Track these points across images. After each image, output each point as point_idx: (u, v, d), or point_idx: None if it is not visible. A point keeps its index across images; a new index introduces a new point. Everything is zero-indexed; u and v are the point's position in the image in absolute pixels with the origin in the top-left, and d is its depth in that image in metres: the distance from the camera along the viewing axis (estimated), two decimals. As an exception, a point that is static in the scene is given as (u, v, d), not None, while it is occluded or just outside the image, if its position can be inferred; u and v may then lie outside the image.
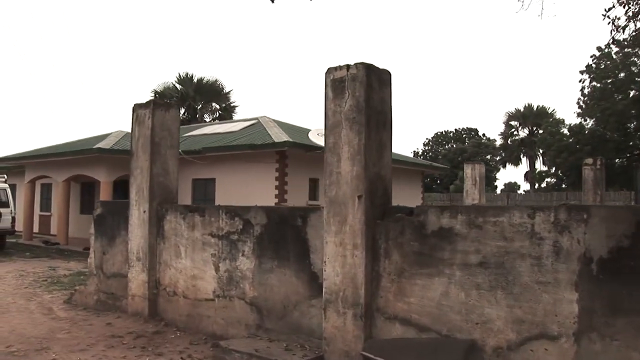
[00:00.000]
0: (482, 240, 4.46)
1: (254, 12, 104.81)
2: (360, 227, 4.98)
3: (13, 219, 17.03)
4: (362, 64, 5.06)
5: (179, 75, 38.56)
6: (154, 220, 7.26)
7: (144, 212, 7.27)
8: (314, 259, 5.54)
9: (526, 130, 51.92)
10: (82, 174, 18.05)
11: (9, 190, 17.32)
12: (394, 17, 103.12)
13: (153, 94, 37.10)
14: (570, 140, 36.52)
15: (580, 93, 37.08)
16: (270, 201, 15.10)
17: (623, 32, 9.89)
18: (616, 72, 34.28)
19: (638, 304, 3.75)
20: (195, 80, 38.49)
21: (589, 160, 15.80)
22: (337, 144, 5.16)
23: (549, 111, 49.96)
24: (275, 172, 15.58)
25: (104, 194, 16.90)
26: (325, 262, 5.22)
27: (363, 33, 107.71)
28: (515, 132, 52.78)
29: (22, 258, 15.31)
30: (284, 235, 5.83)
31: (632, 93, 33.86)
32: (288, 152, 15.41)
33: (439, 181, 55.25)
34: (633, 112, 33.80)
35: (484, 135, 65.25)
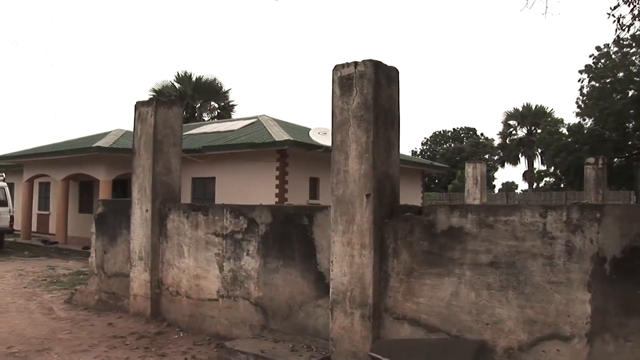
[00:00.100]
0: (493, 240, 4.40)
1: (251, 11, 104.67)
2: (368, 226, 4.91)
3: (11, 217, 16.91)
4: (370, 60, 4.99)
5: (178, 73, 38.60)
6: (157, 219, 7.18)
7: (147, 211, 7.19)
8: (321, 258, 5.46)
9: (524, 130, 51.98)
10: (81, 172, 17.94)
11: (7, 189, 17.20)
12: (392, 16, 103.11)
13: (152, 93, 37.07)
14: (569, 139, 36.52)
15: (579, 93, 37.17)
16: (271, 200, 15.04)
17: (628, 30, 9.84)
18: (615, 71, 34.29)
19: (653, 304, 3.70)
20: (194, 79, 38.47)
21: (591, 160, 15.76)
22: (345, 142, 5.09)
23: (548, 111, 50.01)
24: (275, 171, 15.51)
25: (103, 193, 16.79)
26: (332, 261, 5.14)
27: (360, 32, 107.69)
28: (514, 132, 52.84)
29: (21, 257, 15.20)
30: (289, 235, 5.75)
31: (630, 93, 33.86)
32: (288, 151, 15.35)
33: (437, 180, 55.29)
34: (632, 111, 33.81)
35: (482, 134, 65.34)
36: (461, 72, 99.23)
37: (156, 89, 37.67)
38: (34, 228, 21.55)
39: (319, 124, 17.60)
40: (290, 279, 5.71)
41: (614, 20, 9.55)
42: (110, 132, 19.56)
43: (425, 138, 67.57)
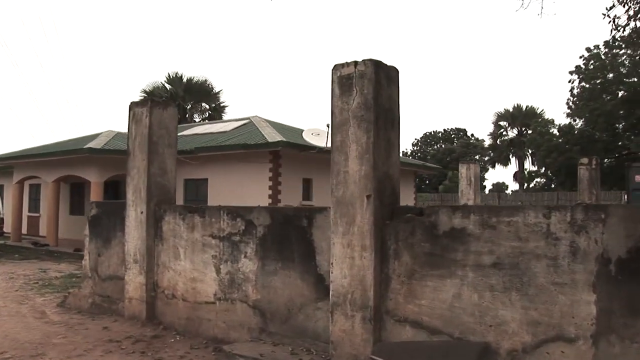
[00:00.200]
0: (496, 241, 4.36)
1: (241, 13, 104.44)
2: (369, 227, 4.85)
3: (1, 220, 16.71)
4: (371, 60, 4.94)
5: (169, 75, 38.44)
6: (152, 221, 7.08)
7: (142, 212, 7.09)
8: (320, 260, 5.40)
9: (515, 131, 52.24)
10: (72, 174, 17.76)
11: (-4, 191, 17.01)
12: (382, 16, 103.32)
13: (142, 94, 36.85)
14: (560, 140, 36.72)
15: (569, 93, 37.39)
16: (264, 201, 14.96)
17: (623, 31, 9.87)
18: (605, 72, 34.54)
19: (659, 305, 3.67)
20: (184, 80, 38.32)
21: (584, 160, 15.82)
22: (345, 143, 5.03)
23: (538, 111, 50.31)
24: (268, 172, 15.45)
25: (95, 194, 16.62)
26: (332, 263, 5.08)
27: (350, 32, 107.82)
28: (505, 133, 53.10)
29: (11, 260, 15.00)
30: (288, 237, 5.68)
31: (620, 93, 34.13)
32: (282, 152, 15.28)
33: (427, 181, 55.41)
34: (621, 112, 34.10)
35: (472, 135, 65.61)
36: (452, 73, 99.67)
37: (147, 90, 37.47)
38: (24, 230, 21.30)
39: (311, 125, 17.55)
40: (289, 281, 5.63)
41: (610, 21, 9.60)
42: (102, 133, 19.40)
43: (415, 139, 67.75)
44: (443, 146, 62.83)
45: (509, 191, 50.28)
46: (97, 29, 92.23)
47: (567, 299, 4.03)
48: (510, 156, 52.30)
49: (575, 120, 37.40)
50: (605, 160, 34.37)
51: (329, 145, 14.69)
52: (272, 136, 15.67)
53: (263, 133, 16.30)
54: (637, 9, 9.36)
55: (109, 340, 6.24)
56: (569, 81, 36.96)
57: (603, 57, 34.61)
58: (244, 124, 19.06)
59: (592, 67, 35.22)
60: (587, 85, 35.61)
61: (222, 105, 40.18)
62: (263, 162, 15.38)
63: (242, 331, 5.98)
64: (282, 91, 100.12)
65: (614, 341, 3.82)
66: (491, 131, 53.84)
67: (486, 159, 56.15)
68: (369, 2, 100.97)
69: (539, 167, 45.96)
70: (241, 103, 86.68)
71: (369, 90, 4.90)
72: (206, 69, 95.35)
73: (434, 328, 4.63)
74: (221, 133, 18.57)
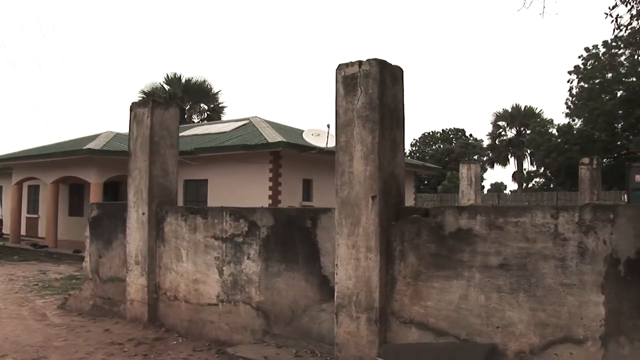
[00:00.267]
0: (503, 242, 4.32)
1: (238, 14, 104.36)
2: (374, 228, 4.81)
3: (0, 221, 16.64)
4: (376, 59, 4.90)
5: (167, 75, 38.33)
6: (154, 223, 7.02)
7: (143, 214, 7.04)
8: (325, 261, 5.35)
9: (514, 131, 52.21)
10: (72, 175, 17.70)
11: (-5, 192, 16.96)
12: (380, 16, 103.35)
13: (141, 95, 36.77)
14: (559, 140, 36.69)
15: (568, 93, 37.35)
16: (264, 202, 14.91)
17: (626, 30, 9.84)
18: (604, 72, 34.53)
19: (670, 306, 3.64)
20: (183, 80, 38.23)
21: (585, 160, 15.79)
22: (350, 143, 4.98)
23: (537, 111, 50.28)
24: (269, 172, 15.38)
25: (94, 195, 16.56)
26: (337, 265, 5.04)
27: (346, 33, 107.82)
28: (503, 133, 53.07)
29: (10, 262, 14.94)
30: (292, 238, 5.64)
31: (619, 93, 34.12)
32: (282, 153, 15.23)
33: (426, 182, 55.34)
34: (621, 112, 34.07)
35: (470, 135, 65.57)
36: (450, 73, 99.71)
37: (145, 90, 37.37)
38: (23, 232, 21.25)
39: (309, 125, 17.47)
40: (293, 282, 5.59)
41: (612, 20, 9.57)
42: (101, 134, 19.34)
43: (414, 139, 67.62)
44: (442, 146, 62.79)
45: (507, 191, 50.29)
46: (95, 30, 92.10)
47: (576, 300, 4.00)
48: (509, 156, 52.27)
49: (574, 120, 37.37)
50: (605, 160, 34.38)
51: (330, 145, 14.75)
52: (273, 137, 15.62)
53: (263, 133, 16.25)
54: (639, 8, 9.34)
55: (110, 342, 6.19)
56: (568, 81, 36.93)
57: (602, 57, 34.58)
58: (244, 125, 19.00)
59: (591, 67, 35.20)
60: (586, 85, 35.58)
61: (220, 105, 40.13)
62: (263, 163, 15.32)
63: (246, 333, 5.93)
64: (280, 92, 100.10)
65: (623, 342, 3.79)
66: (490, 131, 53.82)
67: (485, 159, 56.12)
68: (367, 2, 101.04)
69: (538, 167, 45.96)
70: (240, 104, 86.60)
71: (373, 89, 4.86)
72: (204, 69, 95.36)
73: (440, 329, 4.59)
74: (221, 134, 18.52)
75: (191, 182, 16.96)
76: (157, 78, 63.91)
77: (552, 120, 46.30)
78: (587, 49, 35.54)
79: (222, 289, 6.23)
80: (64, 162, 17.51)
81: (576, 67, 36.09)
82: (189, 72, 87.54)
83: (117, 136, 19.26)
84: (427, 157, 57.51)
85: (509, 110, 51.80)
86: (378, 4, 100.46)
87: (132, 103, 7.38)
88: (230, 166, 15.88)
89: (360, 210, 4.89)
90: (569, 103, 37.22)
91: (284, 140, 15.11)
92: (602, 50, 34.55)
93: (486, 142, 56.15)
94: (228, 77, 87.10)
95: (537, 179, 47.66)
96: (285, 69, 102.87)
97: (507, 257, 4.30)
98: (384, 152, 4.87)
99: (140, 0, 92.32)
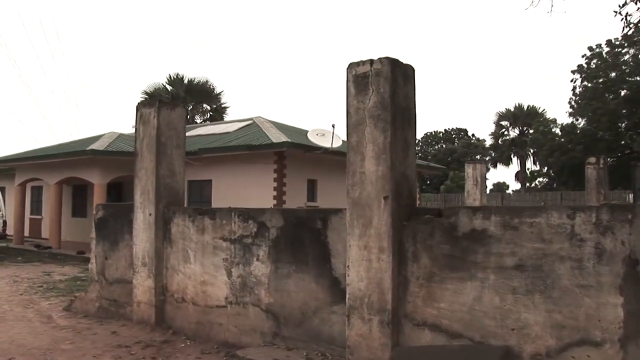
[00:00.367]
0: (518, 242, 4.26)
1: (239, 16, 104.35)
2: (386, 229, 4.74)
3: (4, 222, 16.61)
4: (387, 58, 4.84)
5: (170, 76, 38.33)
6: (161, 224, 6.96)
7: (150, 215, 6.97)
8: (336, 263, 5.28)
9: (517, 130, 52.13)
10: (75, 176, 17.67)
11: (-1, 194, 16.92)
12: (382, 16, 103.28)
13: (143, 95, 36.77)
14: (563, 140, 36.60)
15: (572, 93, 37.28)
16: (269, 203, 14.86)
17: (636, 28, 9.76)
18: (607, 72, 34.44)
19: (691, 308, 3.57)
20: (185, 81, 38.22)
21: (592, 159, 15.68)
22: (361, 143, 4.92)
23: (540, 111, 50.19)
24: (273, 173, 15.33)
25: (98, 196, 16.52)
26: (348, 266, 4.97)
27: (348, 33, 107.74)
28: (506, 132, 53.00)
29: (15, 263, 14.89)
30: (302, 239, 5.57)
31: (623, 92, 34.02)
32: (286, 153, 15.17)
33: (428, 182, 55.28)
34: (624, 111, 34.00)
35: (473, 135, 65.53)
36: (452, 73, 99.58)
37: (148, 91, 37.38)
38: (26, 233, 21.23)
39: (312, 125, 17.39)
40: (304, 284, 5.52)
41: (622, 18, 9.49)
42: (104, 134, 19.31)
43: (416, 139, 67.71)
44: (444, 146, 62.76)
45: (509, 191, 50.20)
46: (98, 32, 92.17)
47: (593, 301, 3.94)
48: (512, 156, 52.20)
49: (577, 120, 37.30)
50: (609, 159, 34.26)
51: (335, 145, 14.68)
52: (277, 137, 15.57)
53: (267, 134, 16.20)
54: (649, 6, 9.26)
55: (118, 345, 6.12)
56: (572, 80, 36.89)
57: (605, 56, 34.47)
58: (247, 125, 18.96)
59: (594, 66, 35.11)
60: (590, 85, 35.50)
61: (223, 106, 40.10)
62: (268, 163, 15.27)
63: (255, 336, 5.87)
64: (282, 92, 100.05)
65: (643, 345, 3.72)
66: (492, 131, 53.78)
67: (487, 158, 56.05)
68: (370, 2, 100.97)
69: (541, 167, 45.86)
70: (242, 104, 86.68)
71: (385, 89, 4.80)
72: (206, 70, 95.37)
73: (453, 332, 4.53)
74: (224, 134, 18.48)
75: (195, 183, 16.91)
76: (159, 79, 63.97)
77: (555, 120, 46.23)
78: (590, 49, 35.51)
79: (230, 291, 6.17)
80: (68, 162, 17.48)
81: (580, 66, 36.02)
82: (191, 72, 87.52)
83: (121, 137, 19.23)
84: (430, 157, 57.45)
85: (512, 110, 51.76)
86: (381, 3, 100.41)
87: (139, 103, 7.33)
88: (235, 166, 15.82)
89: (372, 211, 4.83)
90: (573, 102, 37.16)
91: (289, 140, 15.05)
92: (606, 49, 34.45)
93: (489, 141, 56.14)
94: (230, 78, 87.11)
95: (541, 179, 47.55)
96: (288, 69, 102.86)
97: (523, 258, 4.23)
98: (395, 152, 4.81)
99: (143, 0, 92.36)
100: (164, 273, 6.95)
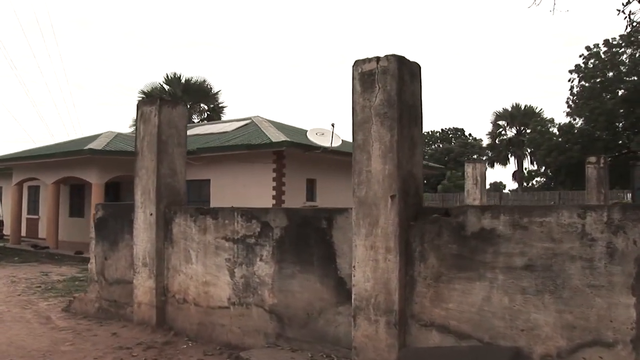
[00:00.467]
0: (528, 242, 4.20)
1: (236, 15, 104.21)
2: (393, 229, 4.68)
3: (1, 222, 16.48)
4: (394, 55, 4.77)
5: (167, 75, 38.15)
6: (162, 223, 6.87)
7: (151, 214, 6.89)
8: (341, 263, 5.21)
9: (514, 130, 52.13)
10: (72, 176, 17.54)
11: (-5, 193, 16.80)
12: (378, 15, 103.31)
13: (140, 95, 36.62)
14: (560, 139, 36.58)
15: (569, 92, 37.20)
16: (268, 202, 14.78)
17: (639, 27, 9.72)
18: (605, 71, 34.42)
19: None
20: (183, 80, 38.05)
21: (592, 159, 15.65)
22: (367, 141, 4.85)
23: (537, 111, 50.20)
24: (272, 172, 15.25)
25: (96, 196, 16.41)
26: (354, 266, 4.90)
27: (344, 32, 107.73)
28: (503, 132, 53.00)
29: (12, 263, 14.77)
30: (307, 239, 5.49)
31: (620, 92, 34.02)
32: (285, 152, 15.10)
33: (425, 181, 55.21)
34: (622, 111, 33.96)
35: (470, 135, 65.53)
36: (449, 72, 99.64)
37: (145, 90, 37.19)
38: (23, 233, 21.09)
39: (310, 125, 17.32)
40: (308, 285, 5.44)
41: (625, 17, 9.46)
42: (101, 134, 19.18)
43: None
44: (441, 146, 62.71)
45: (506, 190, 50.19)
46: (95, 30, 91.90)
47: (604, 302, 3.88)
48: (509, 155, 52.20)
49: (575, 119, 37.23)
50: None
51: (334, 145, 14.60)
52: (276, 136, 15.49)
53: (266, 133, 16.12)
54: (654, 5, 9.21)
55: (119, 347, 6.04)
56: (569, 80, 36.83)
57: (603, 55, 34.45)
58: (246, 124, 18.87)
59: (592, 65, 35.09)
60: (587, 84, 35.46)
61: (220, 105, 39.99)
62: (267, 163, 15.19)
63: (258, 337, 5.79)
64: (280, 92, 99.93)
65: (656, 346, 3.67)
66: (490, 130, 53.74)
67: (484, 158, 56.04)
68: (367, 1, 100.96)
69: (539, 167, 45.86)
70: (240, 103, 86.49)
71: (392, 86, 4.73)
72: (203, 70, 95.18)
73: (462, 333, 4.47)
74: (223, 133, 18.39)
75: (193, 183, 16.78)
76: (156, 79, 63.78)
77: (552, 120, 46.21)
78: (588, 48, 35.45)
79: (233, 292, 6.09)
80: (65, 162, 17.36)
81: (577, 66, 35.98)
82: (189, 72, 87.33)
83: (119, 136, 19.12)
84: (427, 157, 57.40)
85: (509, 109, 51.73)
86: (378, 2, 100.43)
87: (139, 101, 7.25)
88: (233, 166, 15.74)
89: (379, 210, 4.76)
90: (570, 102, 37.09)
91: (288, 139, 14.98)
92: (604, 49, 34.45)
93: (486, 141, 56.10)
94: (228, 78, 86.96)
95: (538, 178, 47.57)
96: (286, 69, 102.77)
97: (532, 258, 4.18)
98: (402, 150, 4.74)
99: (140, 0, 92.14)
100: (165, 273, 6.87)
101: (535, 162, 47.59)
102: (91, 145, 16.60)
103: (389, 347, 4.67)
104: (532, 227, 4.20)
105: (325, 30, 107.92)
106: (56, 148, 19.11)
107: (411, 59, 4.95)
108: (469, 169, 17.77)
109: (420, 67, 5.06)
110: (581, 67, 35.74)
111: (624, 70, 33.94)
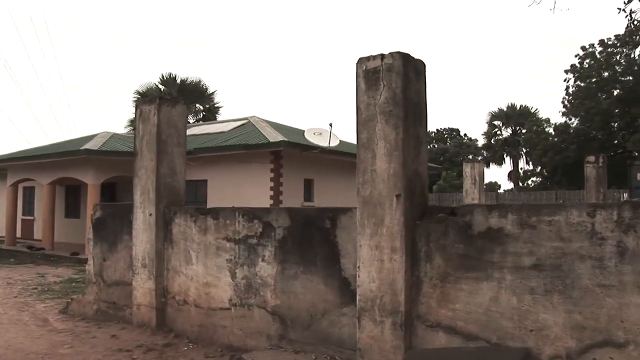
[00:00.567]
0: (536, 241, 4.14)
1: (233, 15, 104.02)
2: (398, 228, 4.61)
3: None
4: (399, 53, 4.70)
5: (162, 76, 38.06)
6: (161, 224, 6.79)
7: (150, 215, 6.80)
8: (345, 263, 5.14)
9: (509, 130, 52.22)
10: (68, 176, 17.41)
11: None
12: (374, 14, 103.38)
13: (136, 95, 36.51)
14: (556, 139, 36.65)
15: (565, 92, 37.29)
16: (265, 202, 14.72)
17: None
18: (600, 71, 34.52)
19: None
20: (178, 81, 37.99)
21: (591, 158, 15.64)
22: (372, 140, 4.78)
23: (532, 111, 50.30)
24: (270, 172, 15.19)
25: (92, 197, 16.29)
26: (359, 267, 4.83)
27: (340, 31, 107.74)
28: (499, 132, 53.08)
29: (7, 265, 14.62)
30: (310, 239, 5.42)
31: (616, 92, 34.12)
32: (283, 152, 15.03)
33: (423, 181, 55.15)
34: (617, 111, 34.07)
35: (465, 135, 65.60)
36: (444, 72, 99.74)
37: (140, 91, 37.12)
38: (18, 234, 20.93)
39: (307, 125, 17.24)
40: (312, 285, 5.37)
41: (626, 15, 9.44)
42: (98, 134, 19.07)
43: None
44: (436, 146, 62.75)
45: (501, 190, 50.24)
46: (89, 31, 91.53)
47: (615, 301, 3.82)
48: (505, 155, 52.28)
49: (570, 119, 37.33)
50: (604, 158, 34.25)
51: (332, 144, 14.53)
52: (274, 136, 15.42)
53: (263, 133, 16.06)
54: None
55: (118, 349, 5.95)
56: (565, 80, 36.93)
57: (598, 55, 34.54)
58: (243, 124, 18.80)
59: (587, 65, 35.18)
60: (583, 84, 35.55)
61: (216, 106, 39.91)
62: (264, 163, 15.12)
63: (260, 339, 5.71)
64: (277, 92, 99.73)
65: (668, 347, 3.62)
66: (485, 130, 53.81)
67: (480, 158, 56.10)
68: (364, 1, 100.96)
69: (535, 166, 45.94)
70: (235, 104, 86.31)
71: (397, 84, 4.66)
72: (199, 70, 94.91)
73: (469, 333, 4.40)
74: (219, 133, 18.32)
75: (190, 183, 16.60)
76: (152, 79, 63.55)
77: (548, 120, 46.32)
78: (583, 48, 35.56)
79: (235, 293, 6.01)
80: (61, 162, 17.23)
81: (573, 66, 36.07)
82: (184, 72, 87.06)
83: (115, 137, 19.01)
84: (423, 157, 57.33)
85: (505, 109, 51.82)
86: (375, 3, 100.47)
87: (138, 100, 7.17)
88: (231, 166, 15.66)
89: (384, 210, 4.69)
90: (566, 102, 37.19)
91: (286, 139, 14.92)
92: (599, 49, 34.55)
93: (481, 141, 56.17)
94: (223, 78, 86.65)
95: (534, 178, 47.65)
96: (282, 69, 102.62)
97: (541, 258, 4.12)
98: (408, 148, 4.67)
99: (135, 1, 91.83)
100: (164, 275, 6.78)
101: (530, 162, 47.68)
102: (87, 146, 16.48)
103: (395, 349, 4.60)
104: (540, 226, 4.14)
105: (319, 30, 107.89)
106: (52, 148, 18.98)
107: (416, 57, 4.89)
108: (467, 168, 17.76)
109: (425, 65, 5.00)
110: (577, 67, 35.84)
111: (619, 70, 34.04)
